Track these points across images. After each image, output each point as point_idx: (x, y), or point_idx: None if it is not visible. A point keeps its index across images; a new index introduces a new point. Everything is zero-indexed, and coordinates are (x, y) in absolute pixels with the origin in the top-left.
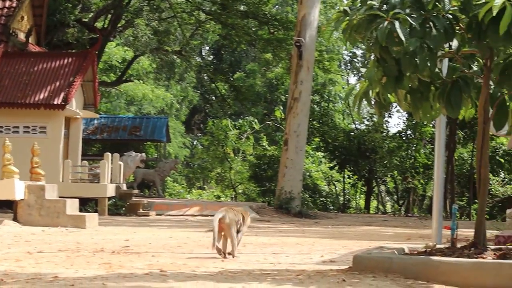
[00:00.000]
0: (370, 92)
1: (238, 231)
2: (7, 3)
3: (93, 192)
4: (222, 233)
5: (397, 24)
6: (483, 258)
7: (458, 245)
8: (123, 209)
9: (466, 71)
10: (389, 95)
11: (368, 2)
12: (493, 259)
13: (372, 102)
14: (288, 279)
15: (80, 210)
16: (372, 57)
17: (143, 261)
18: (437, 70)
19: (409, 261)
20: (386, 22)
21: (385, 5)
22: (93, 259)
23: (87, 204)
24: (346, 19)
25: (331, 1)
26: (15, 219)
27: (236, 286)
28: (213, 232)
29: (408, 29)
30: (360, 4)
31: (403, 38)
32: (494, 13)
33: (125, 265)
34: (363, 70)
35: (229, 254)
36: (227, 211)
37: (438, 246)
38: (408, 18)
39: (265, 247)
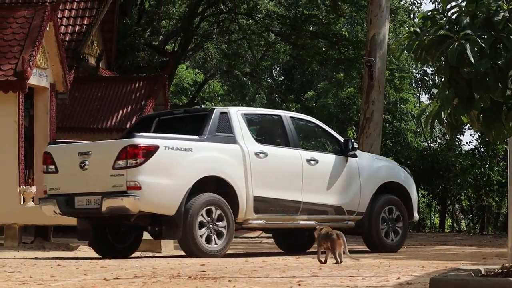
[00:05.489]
0: (442, 113)
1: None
2: (77, 28)
3: None
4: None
5: (467, 45)
6: None
7: None
8: None
9: None
10: (461, 117)
11: (439, 22)
12: None
13: (444, 123)
14: None
15: None
16: (443, 78)
17: (219, 287)
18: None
19: (486, 283)
20: (456, 43)
21: (455, 26)
22: (170, 285)
23: None
24: (417, 41)
25: (400, 19)
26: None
27: None
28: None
29: (478, 50)
30: (430, 25)
31: (472, 60)
32: None
33: None
34: (434, 90)
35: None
36: None
37: None
38: (478, 40)
39: (341, 270)
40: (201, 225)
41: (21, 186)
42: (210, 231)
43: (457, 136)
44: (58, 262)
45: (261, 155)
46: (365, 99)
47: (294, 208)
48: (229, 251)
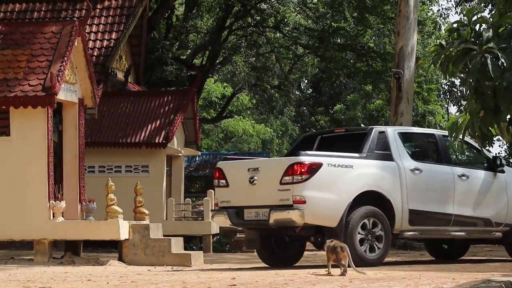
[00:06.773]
0: (472, 125)
1: None
2: (105, 43)
3: (197, 229)
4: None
5: (489, 59)
6: None
7: None
8: (228, 246)
9: None
10: (490, 128)
11: (463, 34)
12: None
13: (475, 135)
14: None
15: (185, 248)
16: (469, 90)
17: None
18: None
19: None
20: (479, 56)
21: (480, 38)
22: None
23: (191, 241)
24: (442, 54)
25: (428, 31)
26: (120, 259)
27: None
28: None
29: (503, 63)
30: (456, 38)
31: (492, 74)
32: None
33: None
34: (463, 102)
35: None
36: None
37: None
38: (499, 54)
39: (372, 282)
40: (361, 235)
41: (51, 201)
42: (370, 241)
43: (486, 148)
44: (88, 277)
45: (416, 171)
46: (393, 111)
47: (446, 220)
48: (258, 265)
